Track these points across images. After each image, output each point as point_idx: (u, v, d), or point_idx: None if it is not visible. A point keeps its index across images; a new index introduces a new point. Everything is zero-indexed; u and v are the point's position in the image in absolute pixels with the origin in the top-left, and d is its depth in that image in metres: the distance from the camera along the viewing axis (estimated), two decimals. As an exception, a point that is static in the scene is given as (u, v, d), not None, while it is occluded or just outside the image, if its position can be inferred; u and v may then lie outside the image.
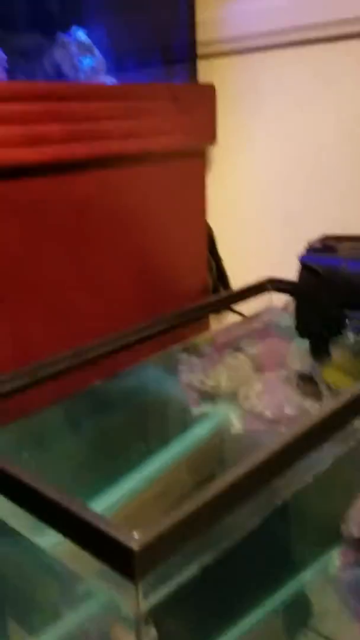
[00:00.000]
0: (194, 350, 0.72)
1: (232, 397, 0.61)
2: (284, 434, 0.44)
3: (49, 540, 0.39)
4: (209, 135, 0.87)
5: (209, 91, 0.87)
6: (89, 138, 0.67)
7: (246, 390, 0.61)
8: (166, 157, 0.78)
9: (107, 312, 0.76)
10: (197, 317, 0.78)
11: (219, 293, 0.99)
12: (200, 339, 0.78)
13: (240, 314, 0.85)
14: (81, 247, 0.71)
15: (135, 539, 0.31)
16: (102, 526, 0.33)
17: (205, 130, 0.86)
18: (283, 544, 0.53)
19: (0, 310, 0.64)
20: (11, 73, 0.81)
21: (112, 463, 0.57)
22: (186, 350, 0.72)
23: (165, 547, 0.34)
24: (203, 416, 0.61)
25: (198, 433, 0.59)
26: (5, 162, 0.60)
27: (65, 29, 0.93)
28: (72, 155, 0.66)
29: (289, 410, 0.57)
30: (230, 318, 0.86)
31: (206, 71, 0.94)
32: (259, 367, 0.67)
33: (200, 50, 0.94)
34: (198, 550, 0.38)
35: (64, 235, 0.69)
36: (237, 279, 1.00)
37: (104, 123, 0.69)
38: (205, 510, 0.36)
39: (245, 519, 0.41)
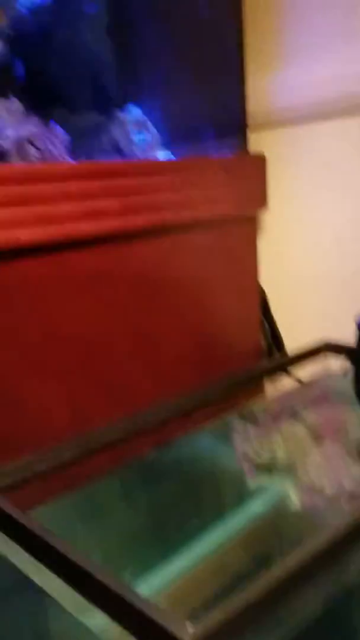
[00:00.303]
0: (249, 417, 0.71)
1: (289, 469, 0.59)
2: (348, 514, 0.41)
3: (98, 621, 0.38)
4: (260, 202, 0.89)
5: (260, 161, 0.89)
6: (144, 210, 0.70)
7: (304, 462, 0.59)
8: (218, 224, 0.80)
9: (162, 378, 0.76)
10: (251, 382, 0.77)
11: (274, 357, 0.98)
12: (256, 404, 0.77)
13: (296, 378, 0.83)
14: (136, 314, 0.73)
15: (189, 633, 0.30)
16: (155, 616, 0.31)
17: (257, 198, 0.87)
18: (348, 629, 0.49)
19: (57, 378, 0.66)
20: (72, 150, 0.86)
21: (164, 537, 0.56)
22: (241, 417, 0.71)
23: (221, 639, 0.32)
24: (259, 490, 0.58)
25: (254, 508, 0.57)
26: (66, 236, 0.63)
27: (121, 106, 0.99)
28: (128, 227, 0.69)
29: (349, 485, 0.54)
30: (285, 382, 0.84)
31: (257, 140, 0.97)
32: (317, 437, 0.64)
33: (251, 120, 0.98)
34: (255, 636, 0.35)
35: (120, 303, 0.71)
36: (292, 342, 0.99)
37: (158, 195, 0.72)
38: (265, 599, 0.34)
39: (306, 604, 0.39)
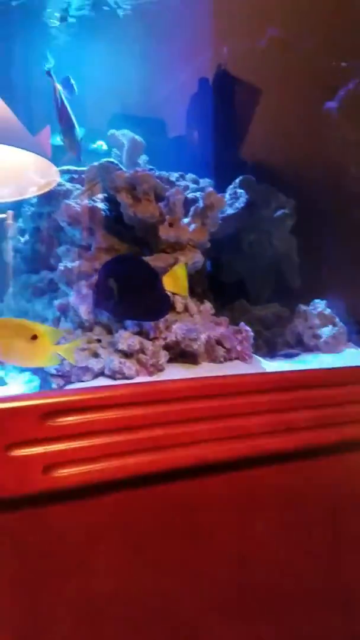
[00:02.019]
0: None
1: None
2: None
3: None
4: None
5: None
6: (337, 423, 0.65)
7: None
8: None
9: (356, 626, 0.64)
10: None
11: None
12: None
13: None
14: (325, 540, 0.65)
15: None
16: None
17: None
18: None
19: (240, 618, 0.59)
20: (256, 345, 0.87)
21: None
22: None
23: None
24: None
25: None
26: (254, 451, 0.60)
27: (306, 300, 1.00)
28: (320, 441, 0.64)
29: None
30: None
31: None
32: None
33: None
34: None
35: (307, 528, 0.64)
36: None
37: (350, 407, 0.67)
38: None
39: None
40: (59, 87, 0.99)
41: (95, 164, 0.91)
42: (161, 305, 0.75)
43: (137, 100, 1.27)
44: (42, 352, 0.70)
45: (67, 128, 1.01)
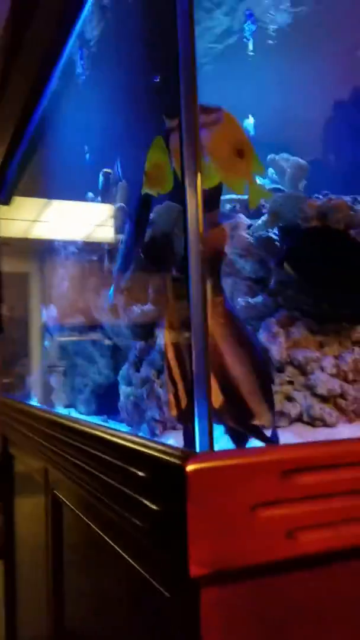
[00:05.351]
0: None
1: None
2: None
3: None
4: None
5: None
6: None
7: None
8: None
9: None
10: None
11: None
12: None
13: None
14: None
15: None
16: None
17: None
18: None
19: None
20: None
21: None
22: None
23: None
24: None
25: None
26: None
27: None
28: None
29: None
30: None
31: None
32: None
33: None
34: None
35: None
36: None
37: None
38: None
39: None
40: None
41: (280, 194, 0.90)
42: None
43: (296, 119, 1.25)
44: (238, 169, 0.68)
45: None
